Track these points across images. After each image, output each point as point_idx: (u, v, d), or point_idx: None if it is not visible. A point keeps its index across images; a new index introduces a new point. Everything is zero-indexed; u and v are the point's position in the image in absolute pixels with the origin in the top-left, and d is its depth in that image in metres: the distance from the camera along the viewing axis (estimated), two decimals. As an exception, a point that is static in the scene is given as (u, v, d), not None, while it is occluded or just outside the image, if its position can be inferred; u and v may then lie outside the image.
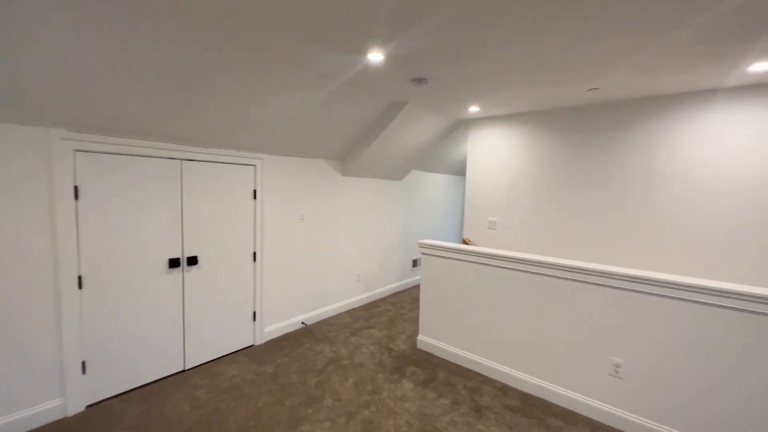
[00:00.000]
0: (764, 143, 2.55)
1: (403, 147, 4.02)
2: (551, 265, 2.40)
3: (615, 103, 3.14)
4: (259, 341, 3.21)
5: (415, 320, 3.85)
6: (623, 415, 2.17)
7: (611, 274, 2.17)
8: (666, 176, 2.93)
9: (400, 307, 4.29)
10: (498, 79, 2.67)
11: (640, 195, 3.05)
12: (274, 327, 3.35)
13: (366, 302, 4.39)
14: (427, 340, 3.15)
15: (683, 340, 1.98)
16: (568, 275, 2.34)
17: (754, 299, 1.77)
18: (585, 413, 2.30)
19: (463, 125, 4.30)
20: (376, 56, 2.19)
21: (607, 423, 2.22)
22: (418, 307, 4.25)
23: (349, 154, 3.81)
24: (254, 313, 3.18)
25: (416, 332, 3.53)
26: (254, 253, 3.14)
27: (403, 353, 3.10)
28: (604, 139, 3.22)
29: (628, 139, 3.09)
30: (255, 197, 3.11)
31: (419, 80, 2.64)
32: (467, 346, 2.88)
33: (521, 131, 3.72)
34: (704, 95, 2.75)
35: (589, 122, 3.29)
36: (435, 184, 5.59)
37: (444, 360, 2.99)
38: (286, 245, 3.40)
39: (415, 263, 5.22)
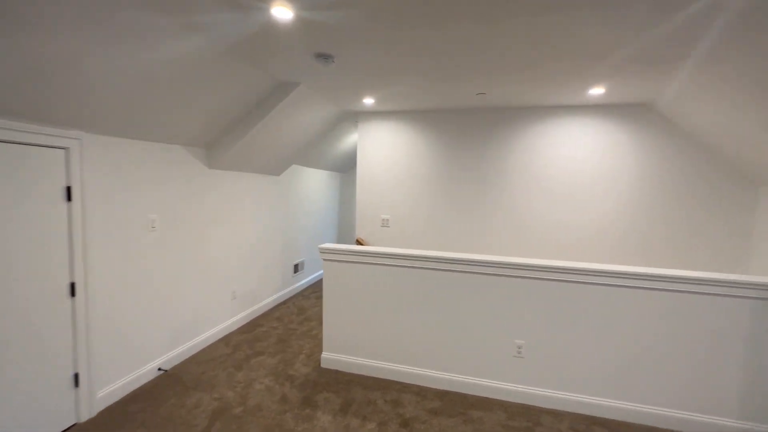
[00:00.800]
0: (600, 150, 3.32)
1: (286, 137, 3.47)
2: (453, 260, 2.44)
3: (499, 109, 3.52)
4: (87, 415, 2.14)
5: (310, 335, 3.41)
6: (527, 390, 2.41)
7: (505, 264, 2.35)
8: (540, 176, 3.48)
9: (288, 321, 3.74)
10: (397, 73, 2.56)
11: (519, 192, 3.54)
12: (114, 387, 2.31)
13: (245, 323, 3.63)
14: (333, 356, 2.79)
15: (567, 315, 2.32)
16: (468, 269, 2.43)
17: (615, 275, 2.21)
18: (497, 397, 2.46)
19: (349, 118, 4.06)
20: (282, 12, 1.68)
21: (517, 401, 2.42)
22: (308, 319, 3.80)
23: (219, 142, 3.00)
24: (76, 376, 2.10)
25: (317, 349, 3.11)
26: (72, 285, 2.05)
27: (308, 378, 2.64)
28: (489, 141, 3.57)
29: (509, 141, 3.52)
30: (69, 198, 2.03)
31: (325, 57, 2.23)
32: (379, 355, 2.69)
33: (414, 128, 3.77)
34: (570, 109, 3.37)
35: (477, 124, 3.60)
36: (316, 180, 5.17)
37: (357, 375, 2.71)
38: (130, 265, 2.39)
39: (296, 268, 4.69)
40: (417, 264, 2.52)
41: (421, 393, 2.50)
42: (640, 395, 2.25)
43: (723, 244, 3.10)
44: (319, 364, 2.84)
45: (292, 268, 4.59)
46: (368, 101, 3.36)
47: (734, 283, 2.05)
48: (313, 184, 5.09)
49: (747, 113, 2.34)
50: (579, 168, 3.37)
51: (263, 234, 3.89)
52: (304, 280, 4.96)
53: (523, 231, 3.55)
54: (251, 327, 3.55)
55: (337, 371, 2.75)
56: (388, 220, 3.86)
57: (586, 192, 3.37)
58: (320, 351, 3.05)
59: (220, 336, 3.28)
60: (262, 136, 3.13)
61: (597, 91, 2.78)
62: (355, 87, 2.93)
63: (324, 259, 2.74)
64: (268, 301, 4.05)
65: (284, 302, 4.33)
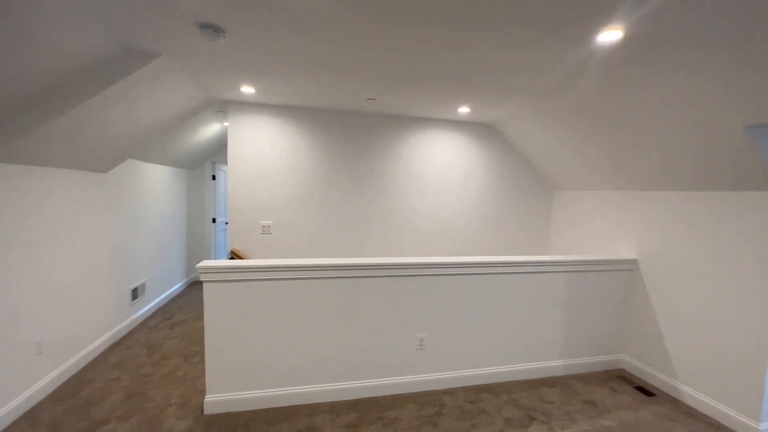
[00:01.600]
0: (461, 159, 3.89)
1: (128, 122, 2.61)
2: (348, 266, 2.37)
3: (386, 116, 3.64)
4: None
5: (175, 377, 2.69)
6: (429, 377, 2.63)
7: (398, 265, 2.46)
8: (419, 180, 3.80)
9: (137, 365, 2.84)
10: (288, 65, 2.33)
11: (404, 195, 3.77)
12: None
13: (64, 382, 2.54)
14: (221, 397, 2.29)
15: (454, 303, 2.66)
16: (364, 273, 2.42)
17: (481, 265, 2.68)
18: (406, 391, 2.58)
19: (213, 107, 3.40)
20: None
21: (423, 390, 2.61)
22: (166, 357, 2.99)
23: (18, 122, 1.96)
24: None
25: (194, 393, 2.48)
26: None
27: (190, 435, 2.08)
28: (376, 146, 3.66)
29: (394, 147, 3.70)
30: None
31: (215, 29, 1.78)
32: (281, 381, 2.38)
33: (300, 126, 3.48)
34: (443, 123, 3.78)
35: (366, 128, 3.62)
36: (158, 179, 4.10)
37: (256, 411, 2.31)
38: None
39: (135, 293, 3.61)
40: (314, 274, 2.35)
41: (334, 409, 2.37)
42: (506, 357, 2.81)
43: (537, 233, 4.23)
44: (202, 412, 2.28)
45: (129, 294, 3.50)
46: (247, 90, 2.89)
47: (555, 262, 2.82)
48: (155, 184, 4.02)
49: (550, 139, 3.26)
50: (446, 174, 3.91)
51: (83, 253, 2.80)
52: (147, 307, 3.88)
53: (407, 229, 3.86)
54: (76, 387, 2.51)
55: (230, 414, 2.28)
56: (269, 226, 3.45)
57: (452, 193, 3.95)
58: (199, 395, 2.45)
59: (22, 411, 2.18)
60: (95, 117, 2.24)
61: (464, 109, 3.28)
62: (239, 72, 2.47)
63: (205, 281, 2.21)
64: (97, 343, 2.96)
65: (123, 340, 3.27)
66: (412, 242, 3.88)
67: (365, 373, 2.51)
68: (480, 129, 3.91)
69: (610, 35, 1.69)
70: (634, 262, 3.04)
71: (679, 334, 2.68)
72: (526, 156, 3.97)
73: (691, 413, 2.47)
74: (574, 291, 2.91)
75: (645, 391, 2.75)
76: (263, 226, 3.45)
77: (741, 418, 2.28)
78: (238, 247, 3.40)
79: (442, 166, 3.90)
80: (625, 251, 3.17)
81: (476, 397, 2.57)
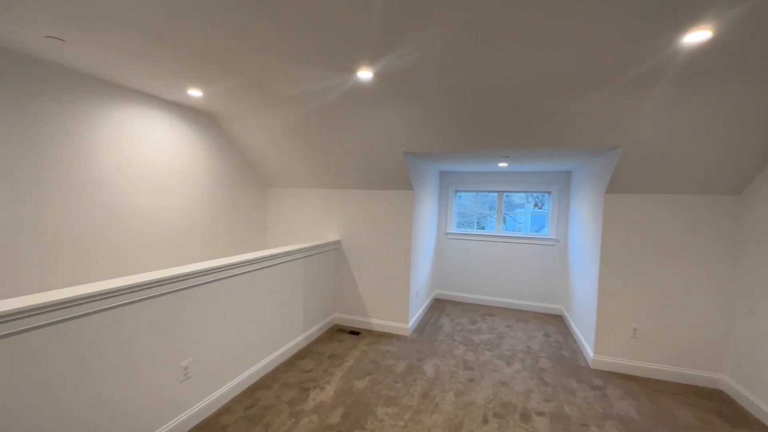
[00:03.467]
0: (183, 149, 3.22)
1: None
2: (59, 303, 1.68)
3: (82, 75, 2.26)
4: None
5: None
6: (202, 405, 2.23)
7: (133, 286, 1.97)
8: (133, 169, 2.71)
9: None
10: None
11: (107, 193, 2.55)
12: None
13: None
14: None
15: (213, 313, 2.44)
16: (87, 309, 1.80)
17: (227, 268, 2.65)
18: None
19: None
20: None
21: (198, 422, 2.15)
22: None
23: None
24: None
25: None
26: None
27: None
28: (56, 112, 2.21)
29: (95, 122, 2.40)
30: None
31: None
32: None
33: None
34: (164, 103, 2.84)
35: (35, 80, 2.09)
36: None
37: None
38: None
39: None
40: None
41: None
42: (264, 349, 2.92)
43: (258, 226, 4.39)
44: None
45: None
46: None
47: (292, 251, 3.28)
48: None
49: (272, 141, 3.64)
50: (170, 167, 3.16)
51: None
52: None
53: (122, 237, 2.74)
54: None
55: None
56: None
57: (178, 191, 3.26)
58: None
59: None
60: None
61: (195, 93, 2.86)
62: None
63: None
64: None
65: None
66: (127, 251, 2.84)
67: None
68: (201, 118, 3.50)
69: (365, 74, 2.30)
70: (338, 242, 4.08)
71: (367, 286, 3.98)
72: (245, 153, 4.04)
73: (381, 335, 3.80)
74: (307, 273, 3.48)
75: (355, 332, 3.85)
76: None
77: (398, 324, 3.83)
78: None
79: (164, 158, 3.13)
80: (331, 235, 4.15)
81: (252, 399, 2.52)
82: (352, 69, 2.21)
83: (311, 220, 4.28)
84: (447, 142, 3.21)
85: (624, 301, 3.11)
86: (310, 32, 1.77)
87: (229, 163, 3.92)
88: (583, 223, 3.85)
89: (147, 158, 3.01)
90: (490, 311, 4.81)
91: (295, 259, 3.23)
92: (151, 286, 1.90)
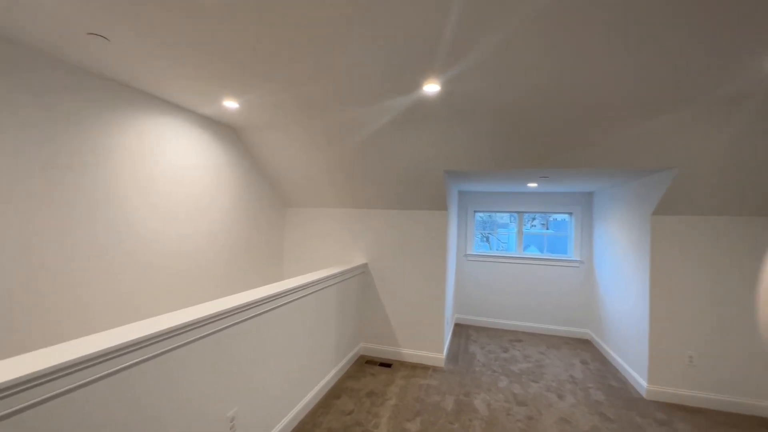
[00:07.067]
0: (210, 167, 2.93)
1: None
2: (98, 356, 1.38)
3: (100, 78, 1.99)
4: None
5: None
6: (243, 467, 1.87)
7: (173, 329, 1.71)
8: (151, 187, 2.40)
9: None
10: None
11: (128, 216, 2.22)
12: None
13: None
14: None
15: (257, 351, 2.13)
16: (129, 360, 1.50)
17: (270, 299, 2.37)
18: None
19: None
20: None
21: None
22: None
23: None
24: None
25: None
26: None
27: None
28: (79, 120, 1.92)
29: (112, 132, 2.11)
30: None
31: None
32: None
33: None
34: (187, 112, 2.57)
35: (83, 92, 1.81)
36: None
37: None
38: None
39: None
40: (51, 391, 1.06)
41: None
42: (301, 388, 2.59)
43: (274, 248, 4.07)
44: None
45: None
46: None
47: (328, 277, 3.00)
48: None
49: (296, 155, 3.41)
50: (198, 185, 2.86)
51: None
52: None
53: (149, 268, 2.39)
54: None
55: None
56: None
57: (206, 213, 2.94)
58: None
59: None
60: None
61: (231, 104, 2.62)
62: None
63: None
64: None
65: None
66: (145, 285, 2.48)
67: None
68: (222, 130, 3.23)
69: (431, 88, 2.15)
70: (365, 265, 3.82)
71: (396, 313, 3.70)
72: (266, 170, 3.78)
73: (415, 366, 3.51)
74: (338, 300, 3.20)
75: (386, 364, 3.54)
76: None
77: (432, 355, 3.55)
78: None
79: (189, 174, 2.83)
80: (357, 258, 3.89)
81: (296, 451, 2.18)
82: (416, 83, 2.06)
83: (334, 242, 4.01)
84: (491, 160, 3.08)
85: (678, 327, 2.98)
86: (374, 46, 1.61)
87: (250, 181, 3.64)
88: (617, 245, 3.77)
89: (171, 173, 2.71)
90: (516, 336, 4.60)
91: (328, 285, 2.95)
92: (193, 327, 1.59)
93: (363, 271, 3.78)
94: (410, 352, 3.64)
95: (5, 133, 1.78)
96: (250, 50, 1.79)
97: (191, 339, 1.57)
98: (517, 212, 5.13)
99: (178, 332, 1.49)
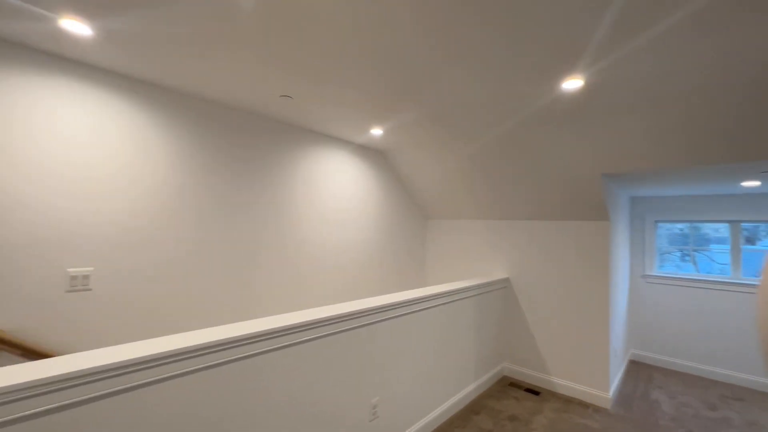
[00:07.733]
0: (359, 186, 3.52)
1: None
2: (259, 335, 1.71)
3: (286, 125, 2.85)
4: None
5: None
6: (384, 454, 2.08)
7: (326, 319, 1.94)
8: (321, 205, 3.19)
9: None
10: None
11: (299, 225, 3.01)
12: None
13: None
14: None
15: (395, 350, 2.30)
16: (292, 339, 1.82)
17: (413, 302, 2.48)
18: (365, 487, 1.92)
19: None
20: None
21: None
22: None
23: None
24: None
25: None
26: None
27: None
28: (271, 157, 2.80)
29: (294, 165, 2.94)
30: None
31: None
32: None
33: (159, 112, 2.18)
34: (343, 143, 3.26)
35: (260, 132, 2.74)
36: None
37: None
38: None
39: None
40: (185, 366, 1.47)
41: None
42: (438, 397, 2.63)
43: (415, 260, 4.37)
44: None
45: None
46: (74, 25, 1.58)
47: (467, 288, 2.96)
48: None
49: (437, 170, 3.52)
50: (347, 201, 3.48)
51: None
52: None
53: (306, 266, 3.11)
54: None
55: None
56: (87, 277, 1.93)
57: (353, 223, 3.54)
58: None
59: None
60: None
61: (377, 131, 3.04)
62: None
63: None
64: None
65: None
66: (312, 282, 3.16)
67: (315, 484, 1.71)
68: (372, 155, 3.75)
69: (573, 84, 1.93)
70: (507, 280, 3.60)
71: (546, 335, 3.31)
72: (408, 185, 4.11)
73: (569, 400, 3.05)
74: (477, 313, 3.11)
75: (533, 391, 3.21)
76: (73, 277, 1.91)
77: (594, 391, 2.99)
78: (4, 326, 1.71)
79: (341, 192, 3.46)
80: (498, 272, 3.71)
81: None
82: (557, 78, 1.88)
83: (473, 254, 3.95)
84: (680, 155, 2.44)
85: None
86: (515, 42, 1.54)
87: (394, 196, 4.04)
88: None
89: (329, 192, 3.34)
90: (732, 392, 3.35)
91: (469, 296, 2.93)
92: (349, 318, 1.89)
93: (505, 286, 3.57)
94: (563, 383, 3.18)
95: (245, 172, 2.63)
96: (395, 87, 2.06)
97: (349, 327, 1.88)
98: (728, 221, 3.81)
99: (338, 320, 1.82)
